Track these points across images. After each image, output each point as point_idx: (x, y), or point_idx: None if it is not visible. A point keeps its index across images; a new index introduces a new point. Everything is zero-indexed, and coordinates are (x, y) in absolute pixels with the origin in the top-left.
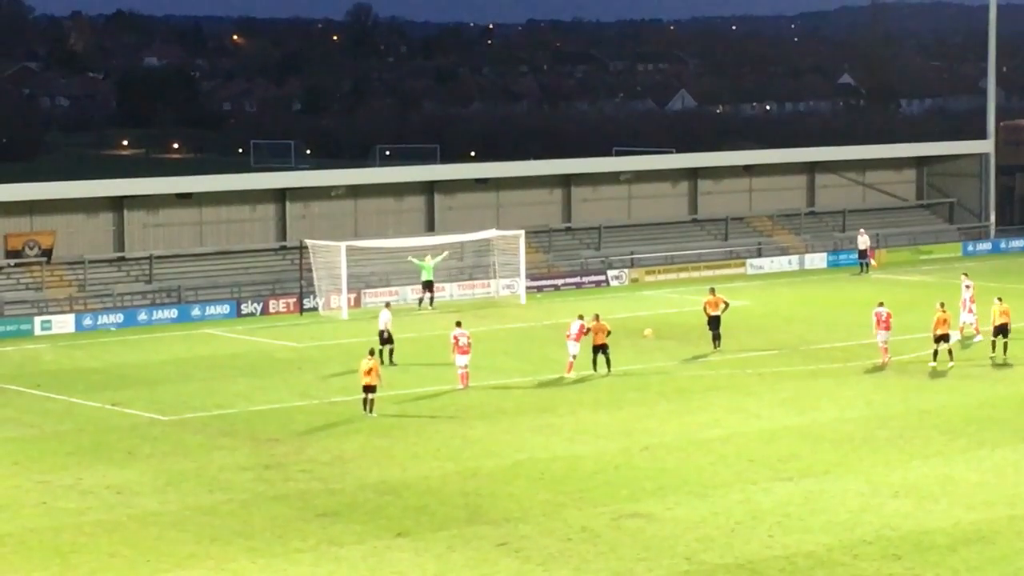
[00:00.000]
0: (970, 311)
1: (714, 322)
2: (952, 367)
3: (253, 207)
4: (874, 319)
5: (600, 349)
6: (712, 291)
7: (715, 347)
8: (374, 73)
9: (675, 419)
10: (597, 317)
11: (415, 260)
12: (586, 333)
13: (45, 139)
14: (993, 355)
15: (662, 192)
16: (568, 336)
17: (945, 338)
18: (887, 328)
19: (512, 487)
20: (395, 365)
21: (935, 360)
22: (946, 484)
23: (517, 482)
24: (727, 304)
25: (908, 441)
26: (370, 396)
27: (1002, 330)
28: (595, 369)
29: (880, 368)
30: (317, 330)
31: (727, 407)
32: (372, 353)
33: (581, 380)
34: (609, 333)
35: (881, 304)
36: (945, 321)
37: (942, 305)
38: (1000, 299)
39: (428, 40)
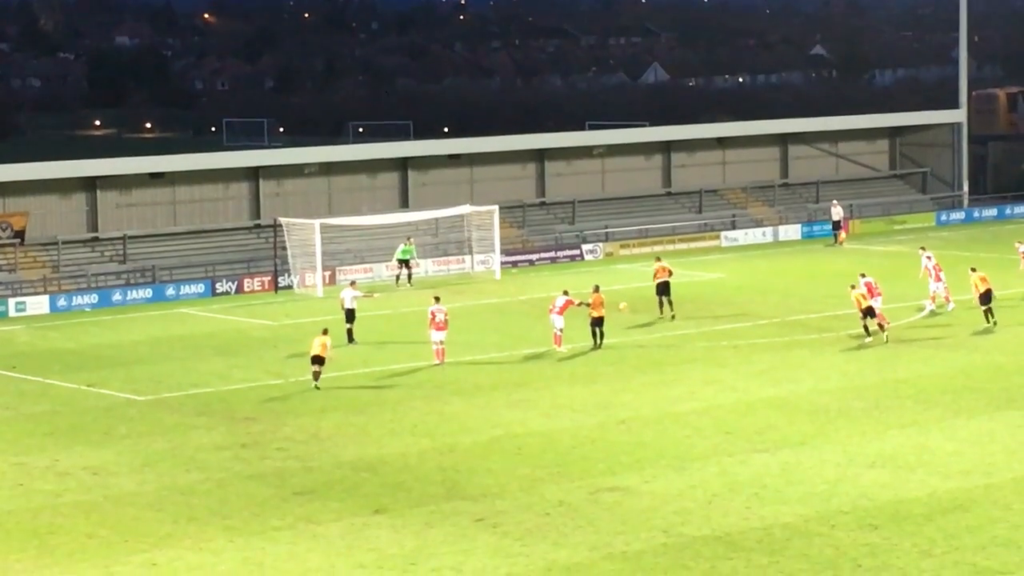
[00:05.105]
0: (937, 279)
1: (663, 288)
2: (870, 341)
3: (226, 186)
4: (864, 289)
5: (598, 323)
6: (658, 259)
7: (662, 314)
8: (346, 50)
9: (651, 392)
10: (597, 288)
11: (404, 246)
12: (578, 306)
13: (17, 120)
14: (988, 324)
15: (636, 166)
16: (551, 309)
17: (871, 312)
18: (878, 295)
19: (489, 462)
20: (354, 343)
21: (869, 336)
22: (922, 454)
23: (494, 457)
24: (671, 272)
25: (884, 411)
26: (316, 368)
27: (986, 297)
28: (595, 343)
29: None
30: (292, 308)
31: (703, 379)
32: (326, 332)
33: (570, 356)
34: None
35: (863, 275)
36: (865, 296)
37: (863, 275)
38: (974, 269)
39: (400, 16)
